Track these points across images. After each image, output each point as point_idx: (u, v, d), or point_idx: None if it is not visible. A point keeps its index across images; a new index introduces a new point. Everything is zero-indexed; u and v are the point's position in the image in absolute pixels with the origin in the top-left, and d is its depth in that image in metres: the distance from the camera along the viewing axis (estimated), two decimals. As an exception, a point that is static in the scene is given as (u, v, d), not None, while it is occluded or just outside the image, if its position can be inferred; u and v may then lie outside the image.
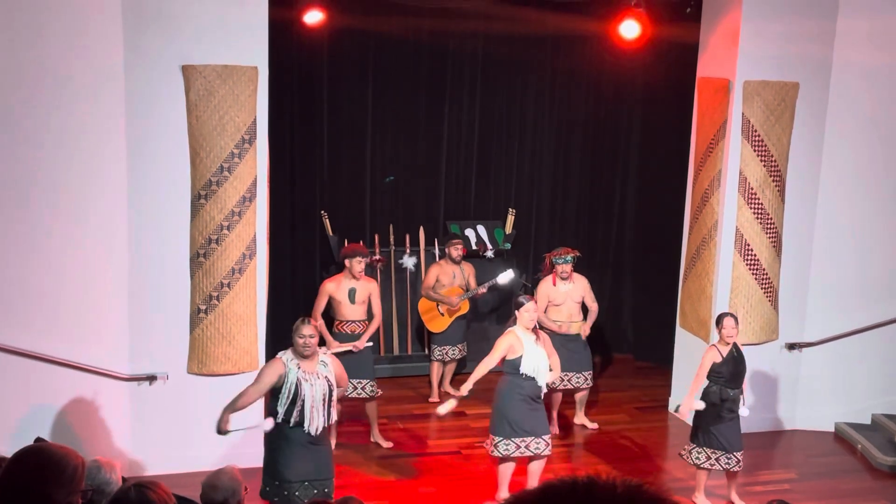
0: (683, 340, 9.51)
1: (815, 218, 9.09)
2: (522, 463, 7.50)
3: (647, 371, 10.81)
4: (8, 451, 3.45)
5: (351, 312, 8.47)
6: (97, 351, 7.60)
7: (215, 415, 7.86)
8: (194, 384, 7.87)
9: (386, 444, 8.68)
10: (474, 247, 10.39)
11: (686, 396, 7.62)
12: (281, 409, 6.33)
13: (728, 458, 7.46)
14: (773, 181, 8.80)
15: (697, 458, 7.55)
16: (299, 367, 6.36)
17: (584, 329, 8.98)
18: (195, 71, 7.52)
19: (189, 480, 6.59)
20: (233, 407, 6.40)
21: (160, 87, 7.52)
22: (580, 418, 9.28)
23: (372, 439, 8.70)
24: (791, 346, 9.14)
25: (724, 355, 7.44)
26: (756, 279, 8.87)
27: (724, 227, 8.84)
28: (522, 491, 1.64)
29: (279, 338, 9.34)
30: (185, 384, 7.86)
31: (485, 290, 9.71)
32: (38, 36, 7.19)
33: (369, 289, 8.53)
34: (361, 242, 9.44)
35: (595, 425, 9.21)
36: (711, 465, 7.50)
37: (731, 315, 7.57)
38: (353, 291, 8.45)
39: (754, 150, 8.71)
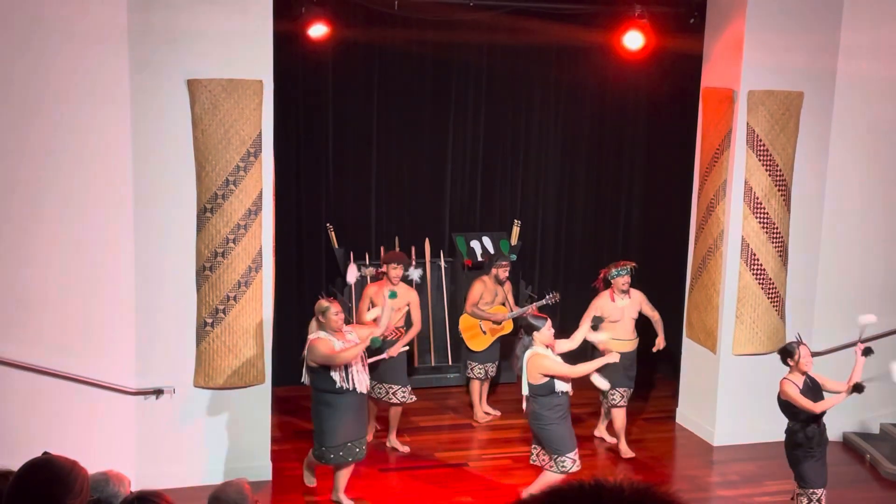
0: (690, 351, 9.49)
1: (820, 227, 9.08)
2: (530, 472, 7.47)
3: (654, 382, 10.78)
4: (15, 464, 3.45)
5: None
6: (104, 365, 7.60)
7: (222, 427, 7.90)
8: (201, 398, 7.88)
9: (403, 449, 8.69)
10: (479, 258, 10.39)
11: (855, 372, 7.06)
12: (337, 378, 7.07)
13: (801, 494, 7.06)
14: (779, 190, 8.80)
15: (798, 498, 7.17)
16: (337, 340, 7.15)
17: (659, 342, 8.88)
18: (200, 85, 7.54)
19: (196, 494, 6.59)
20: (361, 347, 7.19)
21: (165, 102, 7.55)
22: (600, 430, 9.19)
23: (388, 444, 8.71)
24: (798, 356, 9.10)
25: (801, 386, 6.90)
26: (762, 289, 8.85)
27: (729, 236, 8.83)
28: (531, 496, 1.64)
29: (285, 350, 9.34)
30: (192, 398, 7.86)
31: (533, 311, 9.59)
32: (44, 50, 7.22)
33: (409, 297, 8.57)
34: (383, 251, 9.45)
35: (614, 440, 9.08)
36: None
37: (804, 343, 7.01)
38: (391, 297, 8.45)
39: (759, 160, 8.71)
